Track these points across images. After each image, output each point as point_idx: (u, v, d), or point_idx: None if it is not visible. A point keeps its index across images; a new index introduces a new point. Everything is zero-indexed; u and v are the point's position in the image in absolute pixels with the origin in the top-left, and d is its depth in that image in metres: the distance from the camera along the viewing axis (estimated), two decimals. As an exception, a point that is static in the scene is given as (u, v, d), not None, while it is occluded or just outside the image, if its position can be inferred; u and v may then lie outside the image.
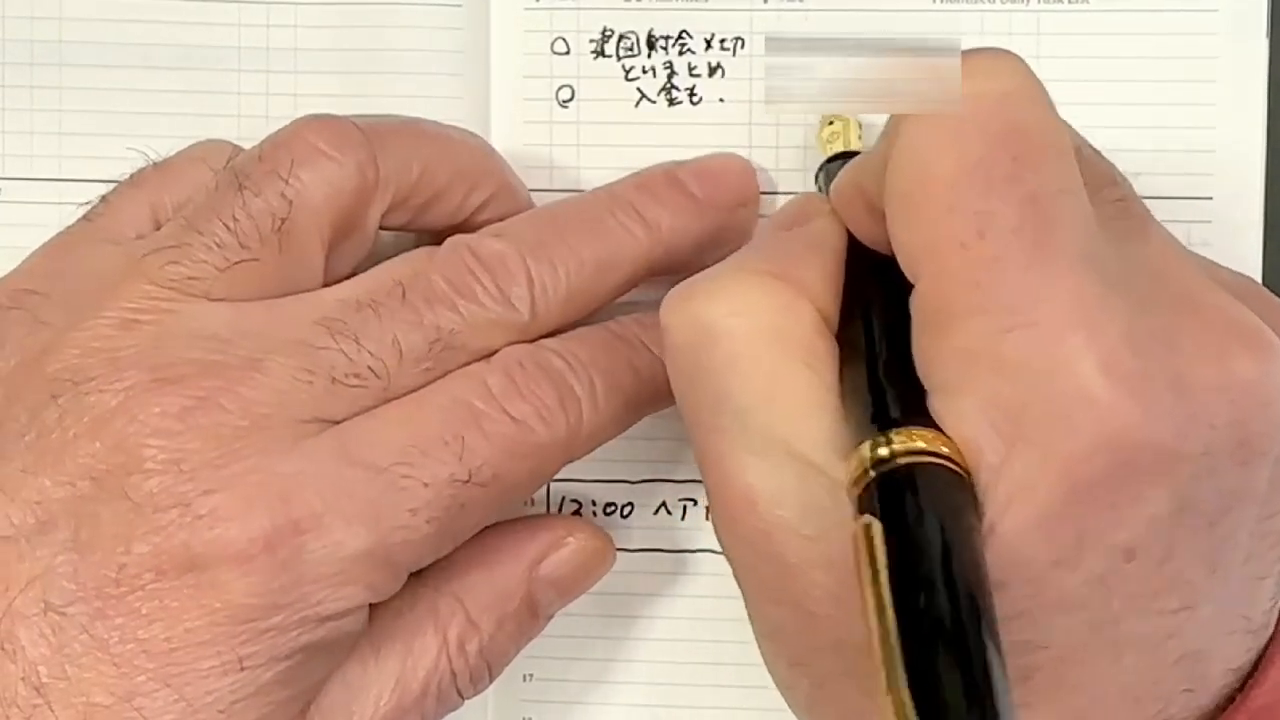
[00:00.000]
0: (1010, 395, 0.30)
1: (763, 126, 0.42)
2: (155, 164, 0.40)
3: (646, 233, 0.39)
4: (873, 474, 0.30)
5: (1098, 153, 0.34)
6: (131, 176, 0.40)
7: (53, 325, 0.36)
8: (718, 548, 0.42)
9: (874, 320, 0.33)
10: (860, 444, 0.30)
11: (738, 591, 0.42)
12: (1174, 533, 0.30)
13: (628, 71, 0.42)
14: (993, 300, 0.30)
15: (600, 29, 0.42)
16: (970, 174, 0.30)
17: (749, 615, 0.35)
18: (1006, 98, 0.31)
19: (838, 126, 0.40)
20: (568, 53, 0.42)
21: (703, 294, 0.34)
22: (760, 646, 0.35)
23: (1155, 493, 0.30)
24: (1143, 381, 0.29)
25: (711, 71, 0.42)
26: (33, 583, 0.33)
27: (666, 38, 0.42)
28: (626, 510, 0.43)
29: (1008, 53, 0.32)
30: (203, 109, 0.43)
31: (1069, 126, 0.32)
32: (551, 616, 0.39)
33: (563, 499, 0.43)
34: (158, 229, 0.38)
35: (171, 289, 0.36)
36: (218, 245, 0.36)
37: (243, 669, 0.34)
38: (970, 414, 0.30)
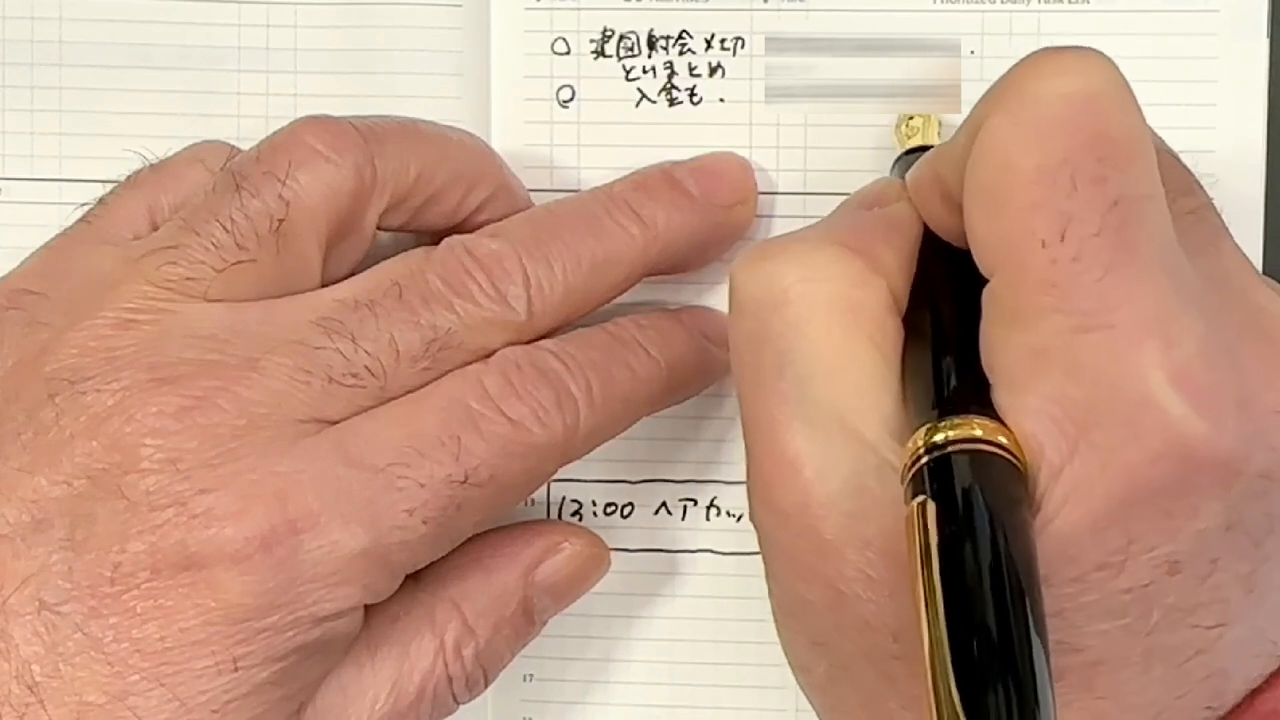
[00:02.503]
0: (1078, 396, 0.30)
1: (763, 126, 0.42)
2: (152, 165, 0.40)
3: (643, 231, 0.39)
4: (928, 458, 0.30)
5: (1176, 157, 0.34)
6: (129, 178, 0.40)
7: (51, 325, 0.36)
8: (718, 548, 0.42)
9: (941, 308, 0.34)
10: (919, 428, 0.30)
11: (738, 591, 0.42)
12: (1220, 549, 0.30)
13: (628, 71, 0.42)
14: (1069, 301, 0.30)
15: (600, 29, 0.42)
16: (1055, 173, 0.30)
17: (770, 591, 0.35)
18: (1095, 98, 0.31)
19: (918, 122, 0.40)
20: (568, 53, 0.42)
21: (779, 256, 0.33)
22: (779, 624, 0.35)
23: (1209, 508, 0.30)
24: (1212, 397, 0.29)
25: (712, 71, 0.42)
26: (27, 581, 0.34)
27: (667, 38, 0.42)
28: (626, 510, 0.43)
29: (1096, 52, 0.31)
30: (202, 109, 0.43)
31: (1150, 129, 0.32)
32: (546, 622, 0.40)
33: (563, 499, 0.43)
34: (155, 230, 0.38)
35: (169, 289, 0.36)
36: (215, 246, 0.36)
37: (237, 669, 0.34)
38: (1035, 410, 0.30)
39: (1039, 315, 0.30)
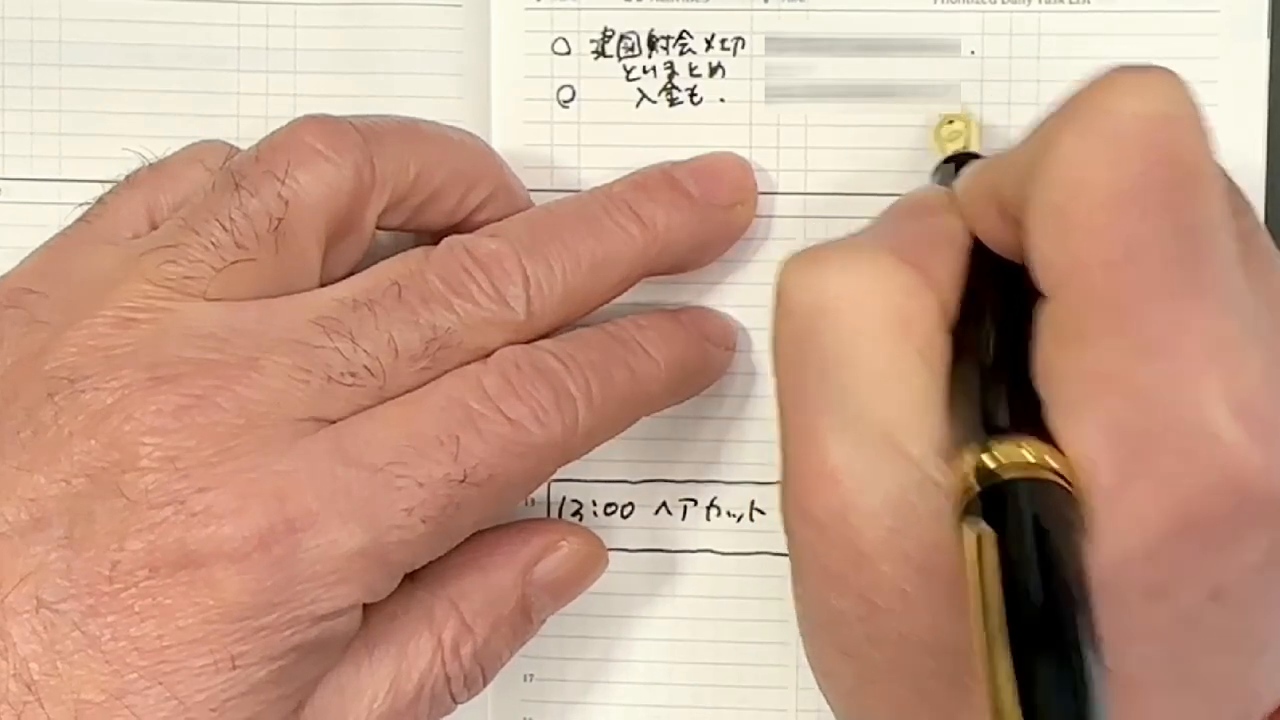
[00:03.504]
0: (1135, 422, 0.29)
1: (763, 126, 0.42)
2: (151, 165, 0.40)
3: (642, 231, 0.39)
4: (979, 484, 0.29)
5: (1228, 177, 0.34)
6: (128, 177, 0.40)
7: (50, 324, 0.36)
8: (718, 548, 0.43)
9: (991, 325, 0.33)
10: (969, 449, 0.30)
11: (738, 591, 0.42)
12: (1263, 583, 0.30)
13: (628, 71, 0.42)
14: (1131, 325, 0.29)
15: (601, 29, 0.42)
16: (1127, 195, 0.30)
17: (797, 597, 0.34)
18: (1169, 122, 0.30)
19: (958, 126, 0.40)
20: (568, 53, 0.42)
21: (830, 262, 0.33)
22: (805, 632, 0.35)
23: (1257, 541, 0.30)
24: (1271, 431, 0.29)
25: (712, 71, 0.42)
26: (26, 579, 0.34)
27: (667, 38, 0.42)
28: (626, 510, 0.43)
29: (1172, 74, 0.31)
30: (202, 109, 0.43)
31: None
32: (544, 620, 0.40)
33: (563, 499, 0.43)
34: (154, 229, 0.38)
35: (168, 288, 0.36)
36: (214, 245, 0.36)
37: (235, 667, 0.34)
38: (1091, 435, 0.29)
39: (1099, 337, 0.30)
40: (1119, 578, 0.29)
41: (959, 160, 0.39)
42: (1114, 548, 0.29)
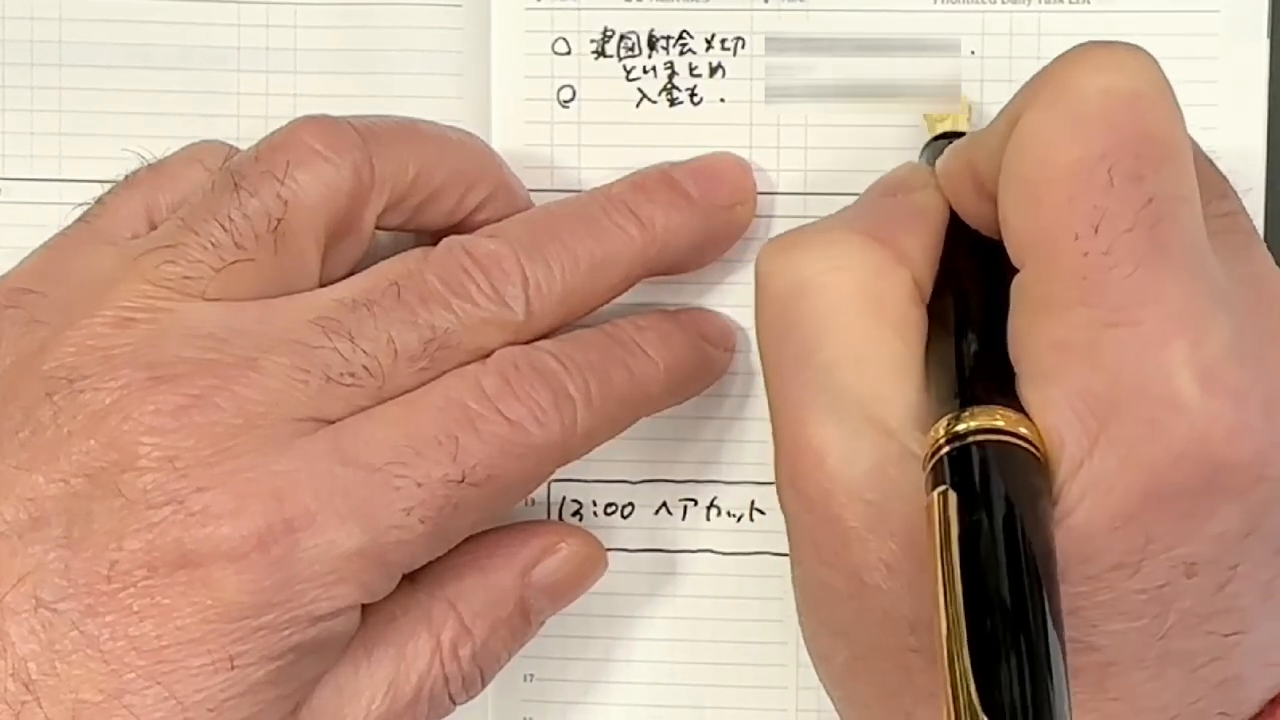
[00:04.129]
0: (1102, 391, 0.30)
1: (763, 126, 0.42)
2: (151, 165, 0.40)
3: (641, 232, 0.39)
4: (949, 447, 0.30)
5: (1210, 161, 0.34)
6: (127, 177, 0.40)
7: (49, 324, 0.36)
8: (718, 548, 0.43)
9: (967, 298, 0.34)
10: (941, 417, 0.30)
11: (738, 591, 0.42)
12: (1238, 555, 0.30)
13: (629, 71, 0.42)
14: (1098, 295, 0.30)
15: (601, 29, 0.42)
16: (1093, 168, 0.30)
17: (794, 578, 0.35)
18: (1136, 96, 0.31)
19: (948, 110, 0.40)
20: (569, 53, 0.42)
21: (804, 246, 0.34)
22: (801, 612, 0.35)
23: (1228, 511, 0.30)
24: (1237, 399, 0.29)
25: (712, 71, 0.42)
26: (24, 579, 0.34)
27: (667, 38, 0.42)
28: (627, 510, 0.43)
29: (1140, 49, 0.32)
30: (202, 109, 0.43)
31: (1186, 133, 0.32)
32: (543, 622, 0.40)
33: (563, 499, 0.43)
34: (153, 229, 0.38)
35: (167, 288, 0.36)
36: (213, 245, 0.36)
37: (233, 667, 0.34)
38: (1058, 404, 0.30)
39: (1067, 308, 0.30)
40: (1088, 549, 0.30)
41: (949, 139, 0.39)
42: (1081, 517, 0.30)
